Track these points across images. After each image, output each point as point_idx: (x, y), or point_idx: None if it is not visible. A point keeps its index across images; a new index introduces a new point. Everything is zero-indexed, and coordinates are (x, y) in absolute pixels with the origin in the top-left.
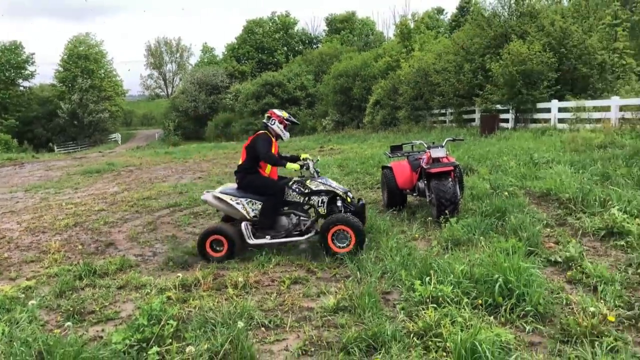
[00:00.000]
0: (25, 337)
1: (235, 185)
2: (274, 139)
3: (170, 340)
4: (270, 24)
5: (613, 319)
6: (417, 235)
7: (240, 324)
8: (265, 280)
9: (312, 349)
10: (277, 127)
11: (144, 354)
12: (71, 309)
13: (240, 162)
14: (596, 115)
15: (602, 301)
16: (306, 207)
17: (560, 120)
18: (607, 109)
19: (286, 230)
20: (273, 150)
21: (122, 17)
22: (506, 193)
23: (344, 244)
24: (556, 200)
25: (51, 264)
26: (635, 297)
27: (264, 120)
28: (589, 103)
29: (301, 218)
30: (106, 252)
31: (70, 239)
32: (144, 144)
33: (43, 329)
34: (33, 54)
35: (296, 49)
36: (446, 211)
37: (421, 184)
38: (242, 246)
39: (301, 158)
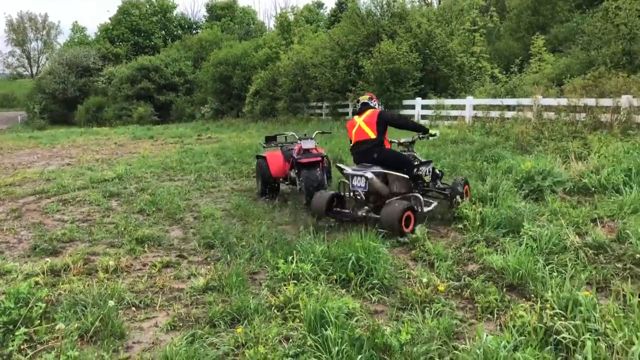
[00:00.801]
0: None
1: (364, 164)
2: None
3: (39, 321)
4: (148, 7)
5: (443, 289)
6: (287, 221)
7: (111, 303)
8: (137, 265)
9: (181, 324)
10: (377, 106)
11: (11, 336)
12: None
13: (369, 137)
14: (454, 112)
15: (435, 274)
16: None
17: (423, 117)
18: (462, 107)
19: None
20: None
21: None
22: None
23: None
24: None
25: None
26: (463, 271)
27: (365, 101)
28: (448, 101)
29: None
30: None
31: None
32: (4, 127)
33: None
34: None
35: (175, 33)
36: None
37: (292, 173)
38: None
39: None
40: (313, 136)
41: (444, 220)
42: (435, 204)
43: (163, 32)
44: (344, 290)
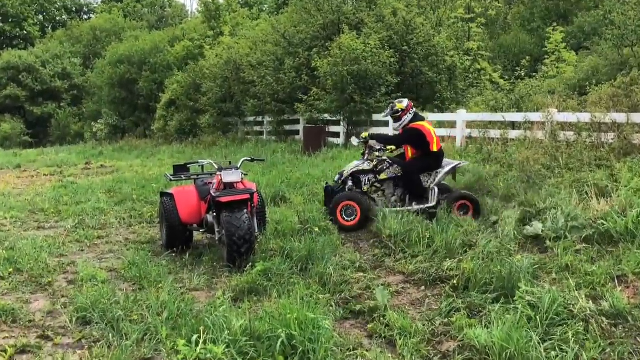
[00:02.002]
0: None
1: None
2: None
3: None
4: None
5: None
6: (199, 284)
7: None
8: None
9: None
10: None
11: None
12: None
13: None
14: (441, 132)
15: (398, 357)
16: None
17: None
18: (452, 124)
19: None
20: None
21: None
22: (317, 229)
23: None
24: (375, 238)
25: None
26: (435, 351)
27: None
28: (432, 117)
29: None
30: None
31: None
32: None
33: None
34: None
35: (57, 19)
36: (239, 252)
37: (210, 217)
38: None
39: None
40: (239, 165)
41: (421, 280)
42: None
43: (40, 17)
44: None
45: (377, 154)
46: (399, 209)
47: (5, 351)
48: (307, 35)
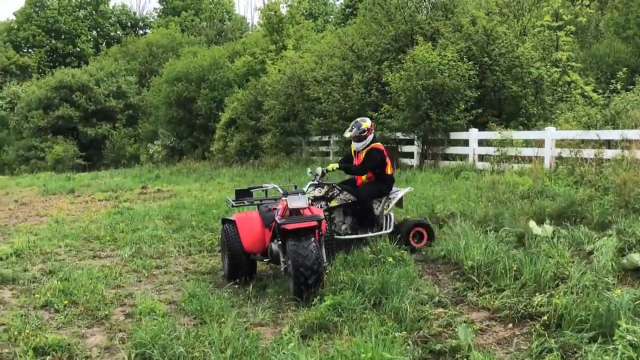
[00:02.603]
0: None
1: None
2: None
3: None
4: None
5: None
6: (263, 319)
7: None
8: None
9: None
10: None
11: None
12: None
13: None
14: (526, 151)
15: None
16: None
17: (482, 157)
18: (540, 143)
19: None
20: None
21: None
22: (391, 259)
23: None
24: (456, 270)
25: None
26: None
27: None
28: (517, 135)
29: None
30: None
31: None
32: None
33: None
34: None
35: (111, 34)
36: (307, 283)
37: (275, 246)
38: None
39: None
40: (306, 189)
41: (508, 317)
42: None
43: (94, 32)
44: None
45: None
46: (352, 236)
47: None
48: (377, 47)
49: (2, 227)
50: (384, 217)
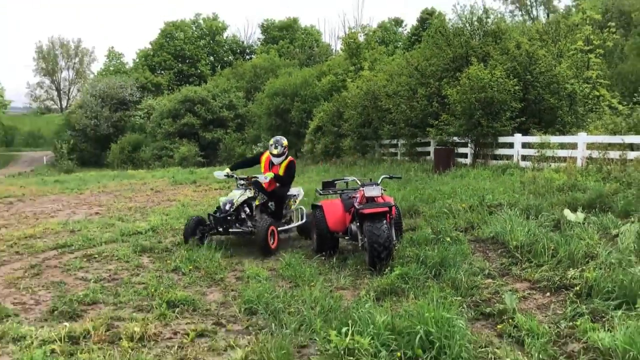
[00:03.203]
0: None
1: None
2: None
3: None
4: (194, 28)
5: None
6: (345, 284)
7: None
8: (167, 333)
9: None
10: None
11: None
12: None
13: None
14: (562, 152)
15: (526, 355)
16: None
17: (524, 157)
18: (573, 146)
19: None
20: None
21: (8, 9)
22: (449, 239)
23: None
24: (503, 248)
25: None
26: (561, 351)
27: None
28: (554, 139)
29: None
30: None
31: None
32: (28, 169)
33: None
34: None
35: (225, 59)
36: (379, 257)
37: (354, 226)
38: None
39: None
40: (379, 181)
41: (546, 287)
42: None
43: (211, 58)
44: None
45: (242, 182)
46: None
47: (188, 334)
48: (437, 67)
49: (141, 209)
50: (296, 211)
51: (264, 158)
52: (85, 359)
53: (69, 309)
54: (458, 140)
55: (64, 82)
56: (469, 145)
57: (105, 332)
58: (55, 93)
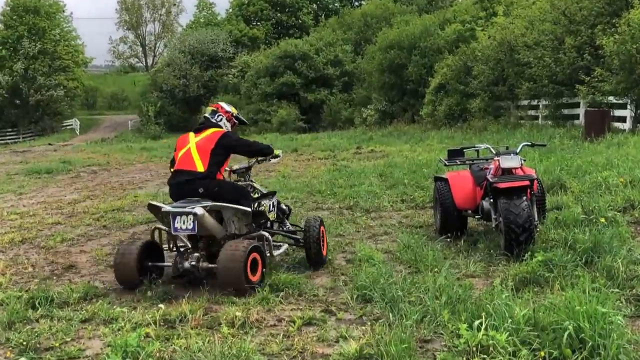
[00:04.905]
0: None
1: (188, 199)
2: None
3: None
4: None
5: None
6: (475, 271)
7: None
8: (270, 319)
9: None
10: (224, 125)
11: None
12: (24, 343)
13: (194, 169)
14: None
15: None
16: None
17: None
18: None
19: None
20: None
21: None
22: (603, 220)
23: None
24: None
25: None
26: None
27: (207, 115)
28: None
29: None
30: (65, 277)
31: (18, 259)
32: (111, 135)
33: None
34: None
35: (330, 7)
36: (518, 240)
37: (486, 203)
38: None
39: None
40: (518, 150)
41: None
42: (286, 246)
43: (314, 5)
44: None
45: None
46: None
47: (294, 322)
48: (590, 11)
49: None
50: None
51: None
52: (182, 345)
53: (164, 289)
54: (615, 101)
55: (149, 36)
56: (629, 106)
57: (202, 316)
58: (140, 49)
